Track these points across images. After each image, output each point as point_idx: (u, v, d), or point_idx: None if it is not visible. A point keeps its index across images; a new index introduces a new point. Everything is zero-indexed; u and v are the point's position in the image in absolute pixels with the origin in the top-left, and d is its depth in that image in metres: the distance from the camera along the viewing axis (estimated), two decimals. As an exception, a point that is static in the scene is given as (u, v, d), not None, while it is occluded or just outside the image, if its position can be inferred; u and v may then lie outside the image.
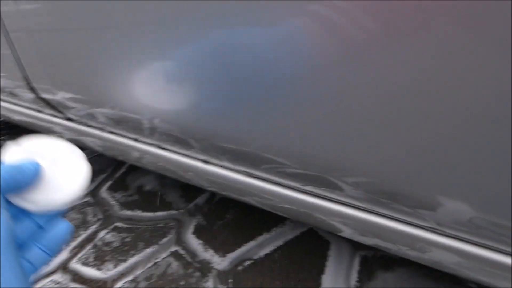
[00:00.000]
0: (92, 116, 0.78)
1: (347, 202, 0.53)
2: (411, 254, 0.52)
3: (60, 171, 0.42)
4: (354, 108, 0.40)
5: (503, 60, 0.30)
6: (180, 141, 0.65)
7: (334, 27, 0.37)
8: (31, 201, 0.40)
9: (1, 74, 0.83)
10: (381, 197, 0.46)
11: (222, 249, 1.12)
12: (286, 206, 0.62)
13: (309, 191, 0.57)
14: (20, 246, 0.39)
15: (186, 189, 1.38)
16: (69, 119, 0.79)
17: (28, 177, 0.39)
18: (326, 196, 0.55)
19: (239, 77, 0.47)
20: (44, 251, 0.40)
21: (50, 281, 1.09)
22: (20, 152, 0.42)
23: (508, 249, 0.43)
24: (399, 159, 0.40)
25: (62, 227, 0.41)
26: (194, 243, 1.16)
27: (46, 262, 0.40)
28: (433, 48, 0.32)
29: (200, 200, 1.33)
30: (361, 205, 0.51)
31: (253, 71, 0.45)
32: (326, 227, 0.62)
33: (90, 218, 1.30)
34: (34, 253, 0.40)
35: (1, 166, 0.38)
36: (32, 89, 0.71)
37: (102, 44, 0.56)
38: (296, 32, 0.39)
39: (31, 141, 0.43)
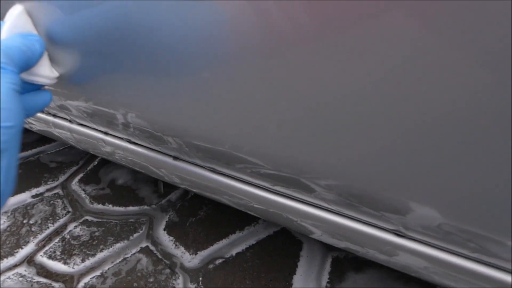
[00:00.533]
0: (63, 108, 0.75)
1: (319, 204, 0.53)
2: (379, 257, 0.52)
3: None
4: (326, 110, 0.39)
5: (463, 59, 0.30)
6: (155, 137, 0.63)
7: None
8: (39, 75, 0.48)
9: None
10: (352, 200, 0.46)
11: (193, 247, 1.11)
12: (257, 206, 0.62)
13: (280, 192, 0.56)
14: None
15: (159, 184, 1.36)
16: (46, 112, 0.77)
17: (37, 56, 0.46)
18: (299, 197, 0.55)
19: (211, 72, 0.45)
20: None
21: (14, 274, 1.05)
22: (21, 18, 0.49)
23: (474, 255, 0.44)
24: (368, 161, 0.39)
25: (46, 96, 0.49)
26: (165, 239, 1.14)
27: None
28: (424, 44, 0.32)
29: (173, 196, 1.31)
30: (332, 207, 0.51)
31: (219, 66, 0.43)
32: (297, 229, 0.62)
33: (59, 210, 1.27)
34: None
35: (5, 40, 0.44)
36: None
37: (80, 38, 0.54)
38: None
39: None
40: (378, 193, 0.41)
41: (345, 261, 1.05)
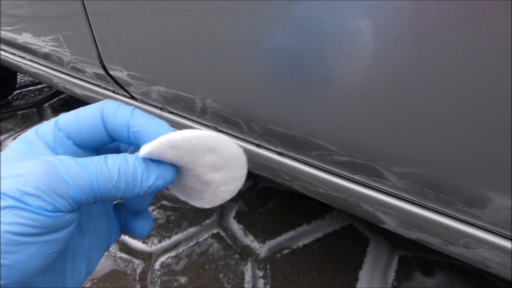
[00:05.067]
0: (149, 94, 0.82)
1: (393, 193, 0.54)
2: (453, 250, 0.52)
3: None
4: (404, 97, 0.41)
5: None
6: (231, 122, 0.68)
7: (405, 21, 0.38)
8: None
9: (68, 51, 0.90)
10: (429, 189, 0.47)
11: (261, 236, 1.16)
12: (330, 193, 0.64)
13: (355, 179, 0.58)
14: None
15: (230, 176, 1.42)
16: (132, 97, 0.85)
17: (141, 192, 0.27)
18: (372, 185, 0.56)
19: (290, 61, 0.49)
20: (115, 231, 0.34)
21: (100, 249, 1.16)
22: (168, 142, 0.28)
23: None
24: (450, 150, 0.40)
25: (146, 226, 0.34)
26: (235, 227, 1.20)
27: (114, 240, 0.34)
28: None
29: (243, 187, 1.36)
30: (407, 196, 0.52)
31: (305, 56, 0.47)
32: (368, 217, 0.64)
33: (138, 194, 1.37)
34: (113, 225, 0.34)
35: (110, 160, 0.26)
36: (104, 68, 0.77)
37: (170, 27, 0.60)
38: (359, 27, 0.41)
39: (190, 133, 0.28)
40: (461, 183, 0.42)
41: (412, 261, 1.04)
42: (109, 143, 0.30)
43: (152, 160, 0.28)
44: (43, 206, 0.23)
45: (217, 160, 0.30)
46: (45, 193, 0.23)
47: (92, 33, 0.72)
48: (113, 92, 0.91)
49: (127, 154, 0.27)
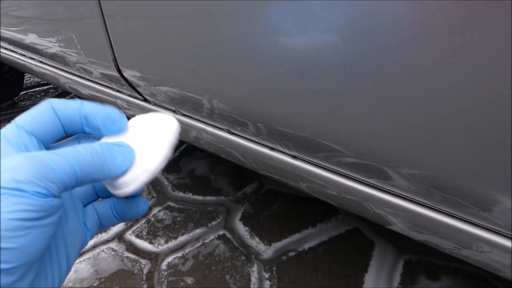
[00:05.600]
0: (158, 95, 0.83)
1: (401, 194, 0.55)
2: (462, 253, 0.53)
3: (145, 142, 0.35)
4: (413, 100, 0.42)
5: None
6: (239, 123, 0.69)
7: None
8: (115, 186, 0.33)
9: (76, 51, 0.91)
10: (439, 191, 0.48)
11: (267, 238, 1.16)
12: (334, 193, 0.65)
13: (369, 182, 0.59)
14: (94, 199, 0.37)
15: (235, 177, 1.43)
16: (145, 100, 0.86)
17: (112, 169, 0.31)
18: (379, 186, 0.57)
19: (295, 62, 0.50)
20: (115, 216, 0.37)
21: (107, 248, 1.17)
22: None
23: None
24: (460, 153, 0.41)
25: (142, 205, 0.37)
26: (241, 229, 1.21)
27: (111, 224, 0.37)
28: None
29: (248, 189, 1.38)
30: (420, 199, 0.53)
31: (310, 56, 0.48)
32: (377, 219, 0.64)
33: (144, 195, 1.38)
34: (106, 212, 0.37)
35: (81, 147, 0.30)
36: (119, 70, 0.78)
37: (180, 31, 0.61)
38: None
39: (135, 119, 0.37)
40: (470, 186, 0.43)
41: (418, 265, 1.05)
42: (64, 136, 0.34)
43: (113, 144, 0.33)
44: (39, 191, 0.25)
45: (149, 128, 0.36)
46: (37, 179, 0.26)
47: (108, 36, 0.73)
48: (128, 95, 0.92)
49: (94, 141, 0.33)
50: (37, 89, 2.38)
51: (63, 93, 2.30)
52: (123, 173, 0.33)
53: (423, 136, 0.44)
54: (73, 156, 0.29)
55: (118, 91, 0.97)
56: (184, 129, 0.87)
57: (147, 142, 0.35)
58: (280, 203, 1.30)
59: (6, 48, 1.42)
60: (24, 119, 0.32)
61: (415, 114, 0.43)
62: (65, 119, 0.33)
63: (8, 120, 1.98)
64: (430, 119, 0.42)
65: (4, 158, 0.26)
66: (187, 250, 1.14)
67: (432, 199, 0.50)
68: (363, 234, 1.15)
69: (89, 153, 0.30)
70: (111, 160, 0.31)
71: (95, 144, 0.31)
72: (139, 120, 0.37)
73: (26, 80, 2.50)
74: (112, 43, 0.74)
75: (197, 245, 1.16)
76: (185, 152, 1.60)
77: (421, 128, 0.44)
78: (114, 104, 1.07)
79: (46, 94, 2.29)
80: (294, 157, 0.68)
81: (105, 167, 0.31)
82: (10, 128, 0.31)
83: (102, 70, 0.87)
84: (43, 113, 0.32)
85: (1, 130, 0.31)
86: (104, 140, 0.34)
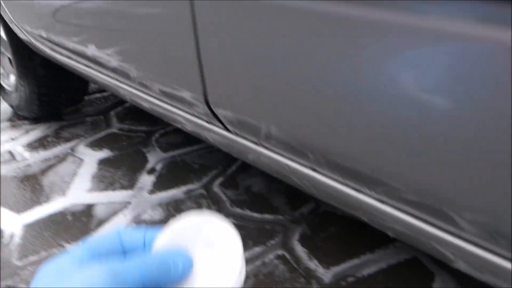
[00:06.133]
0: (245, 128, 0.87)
1: (461, 235, 0.56)
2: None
3: (212, 262, 0.33)
4: (475, 146, 0.44)
5: None
6: (296, 151, 0.72)
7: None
8: None
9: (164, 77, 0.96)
10: (500, 237, 0.49)
11: (325, 261, 1.18)
12: (398, 228, 0.67)
13: (424, 218, 0.61)
14: None
15: (291, 196, 1.46)
16: (226, 129, 0.90)
17: (175, 277, 0.32)
18: (440, 225, 0.59)
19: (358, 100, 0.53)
20: None
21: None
22: (169, 235, 0.34)
23: None
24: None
25: None
26: (299, 250, 1.23)
27: None
28: None
29: (305, 209, 1.40)
30: (483, 243, 0.54)
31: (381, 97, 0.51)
32: (437, 255, 0.66)
33: (204, 209, 1.43)
34: None
35: (146, 258, 0.32)
36: (207, 103, 0.83)
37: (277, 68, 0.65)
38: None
39: (182, 222, 0.34)
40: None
41: (480, 300, 1.04)
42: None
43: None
44: None
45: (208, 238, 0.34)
46: None
47: (202, 73, 0.78)
48: (207, 122, 0.96)
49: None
50: (98, 95, 2.49)
51: (122, 101, 2.40)
52: None
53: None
54: (142, 267, 0.31)
55: (192, 114, 1.02)
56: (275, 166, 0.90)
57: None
58: (336, 226, 1.32)
59: (85, 65, 1.50)
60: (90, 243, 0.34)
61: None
62: (129, 242, 0.35)
63: (74, 125, 2.09)
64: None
65: (86, 270, 0.30)
66: (247, 269, 1.18)
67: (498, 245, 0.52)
68: (423, 264, 1.15)
69: (156, 266, 0.32)
70: (174, 268, 0.32)
71: (157, 255, 0.33)
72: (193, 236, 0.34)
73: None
74: (204, 79, 0.79)
75: (257, 263, 1.19)
76: (241, 168, 1.64)
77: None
78: (180, 123, 1.13)
79: (106, 101, 2.40)
80: (358, 190, 0.70)
81: (168, 276, 0.32)
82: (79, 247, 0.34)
83: (192, 100, 0.92)
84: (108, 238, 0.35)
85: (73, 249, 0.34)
86: None
